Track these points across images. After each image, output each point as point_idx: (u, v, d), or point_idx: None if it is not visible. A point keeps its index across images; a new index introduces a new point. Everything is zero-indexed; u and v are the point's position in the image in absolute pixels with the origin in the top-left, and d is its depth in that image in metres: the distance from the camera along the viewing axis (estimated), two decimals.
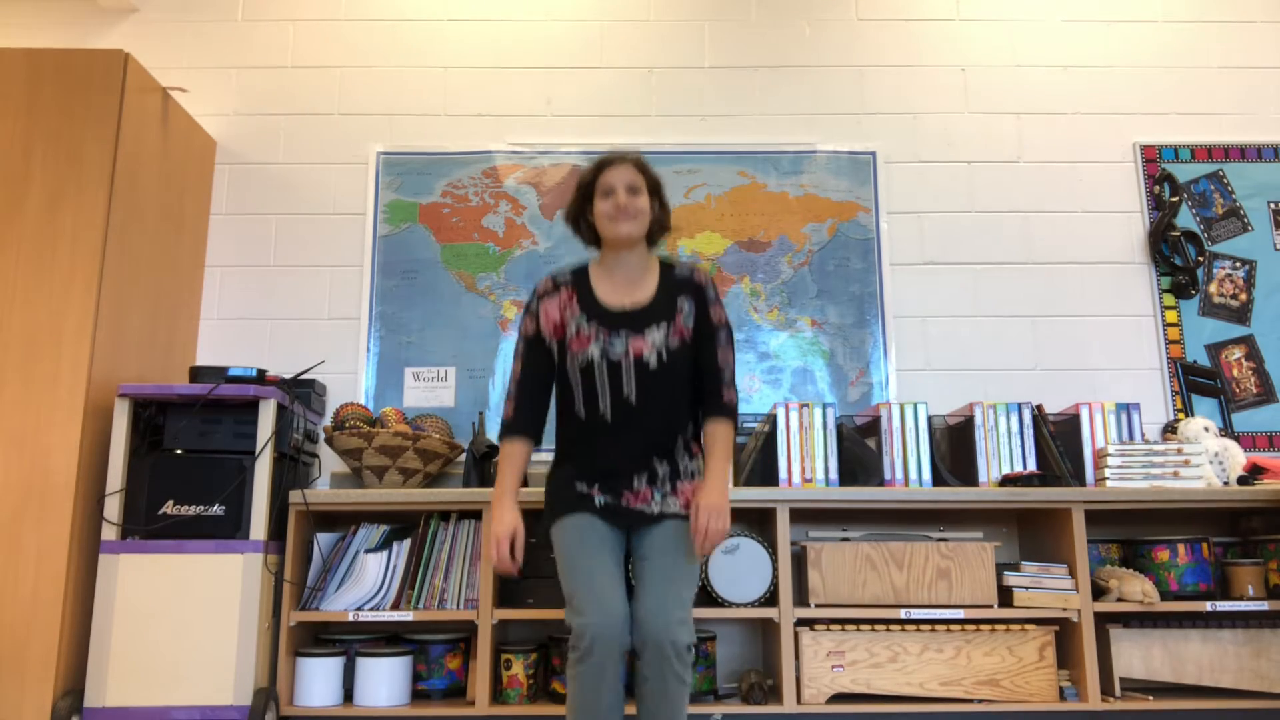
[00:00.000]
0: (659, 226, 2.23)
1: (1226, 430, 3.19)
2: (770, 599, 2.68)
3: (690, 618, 1.99)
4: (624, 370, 2.11)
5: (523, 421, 2.16)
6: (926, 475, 2.83)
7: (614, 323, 2.15)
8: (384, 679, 2.63)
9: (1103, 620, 2.76)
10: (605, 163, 2.20)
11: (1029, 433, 2.88)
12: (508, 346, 3.22)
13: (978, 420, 2.88)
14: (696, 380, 2.20)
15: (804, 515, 3.04)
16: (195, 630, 2.53)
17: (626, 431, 2.13)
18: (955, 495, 2.70)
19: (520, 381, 2.18)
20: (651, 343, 2.13)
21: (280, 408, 2.72)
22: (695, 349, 2.19)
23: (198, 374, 2.72)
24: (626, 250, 2.18)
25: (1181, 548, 2.73)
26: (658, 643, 1.93)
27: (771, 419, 2.91)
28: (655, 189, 2.22)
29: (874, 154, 3.37)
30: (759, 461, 2.90)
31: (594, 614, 1.93)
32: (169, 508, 2.61)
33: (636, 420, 2.12)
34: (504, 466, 2.14)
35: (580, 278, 2.22)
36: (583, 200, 2.22)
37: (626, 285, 2.19)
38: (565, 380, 2.18)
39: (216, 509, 2.61)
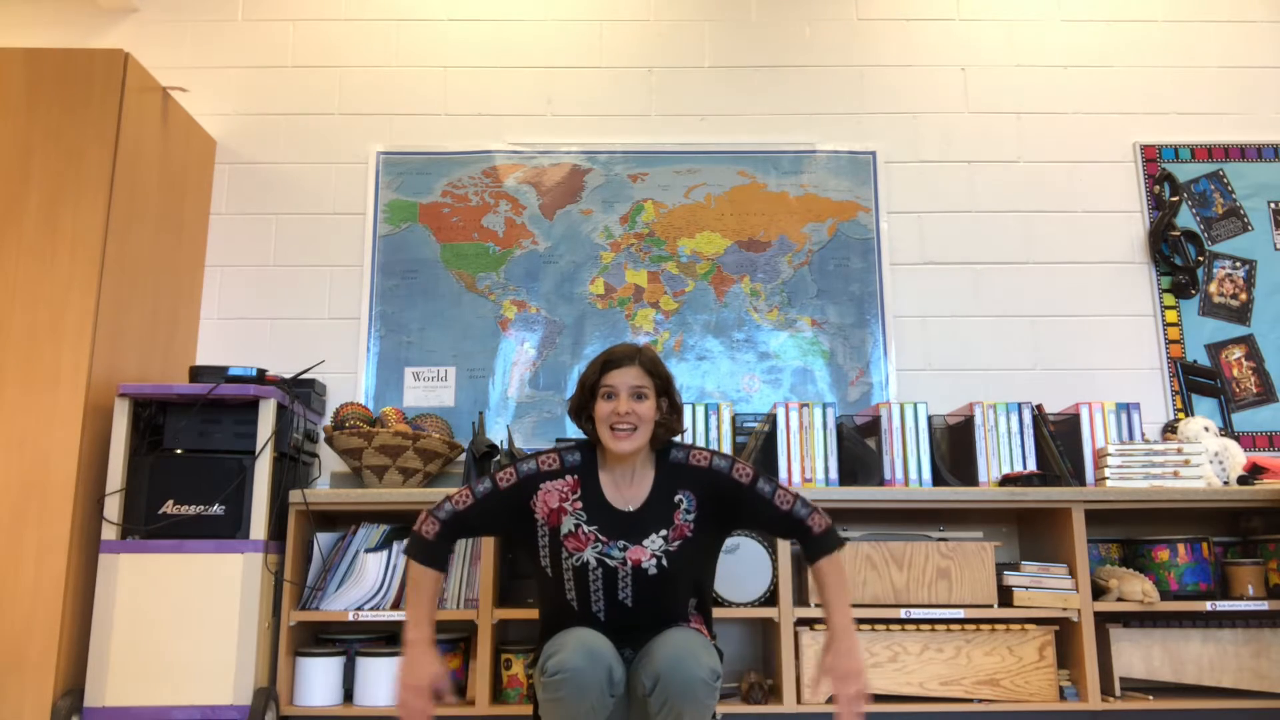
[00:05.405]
0: (666, 430, 2.05)
1: (1226, 430, 3.19)
2: (770, 599, 2.68)
3: (719, 669, 1.85)
4: (620, 576, 1.98)
5: (442, 553, 2.00)
6: (926, 475, 2.83)
7: (613, 530, 2.00)
8: (384, 679, 2.63)
9: (1103, 620, 2.76)
10: (610, 361, 2.01)
11: (1029, 432, 2.88)
12: (508, 346, 3.22)
13: (978, 420, 2.88)
14: (700, 574, 2.07)
15: None
16: (195, 630, 2.53)
17: (621, 625, 2.01)
18: (955, 495, 2.70)
19: (460, 516, 2.00)
20: (651, 551, 1.99)
21: (280, 407, 2.72)
22: (709, 538, 2.05)
23: (198, 374, 2.72)
24: (625, 463, 2.04)
25: (1181, 547, 2.73)
26: (670, 678, 1.78)
27: (771, 419, 2.91)
28: (665, 388, 2.04)
29: (874, 154, 3.37)
30: (759, 461, 2.90)
31: (578, 658, 1.79)
32: (169, 507, 2.61)
33: (632, 616, 2.00)
34: (419, 598, 1.95)
35: (588, 466, 2.05)
36: (585, 396, 2.05)
37: (626, 481, 2.05)
38: (557, 567, 2.02)
39: (216, 509, 2.61)
